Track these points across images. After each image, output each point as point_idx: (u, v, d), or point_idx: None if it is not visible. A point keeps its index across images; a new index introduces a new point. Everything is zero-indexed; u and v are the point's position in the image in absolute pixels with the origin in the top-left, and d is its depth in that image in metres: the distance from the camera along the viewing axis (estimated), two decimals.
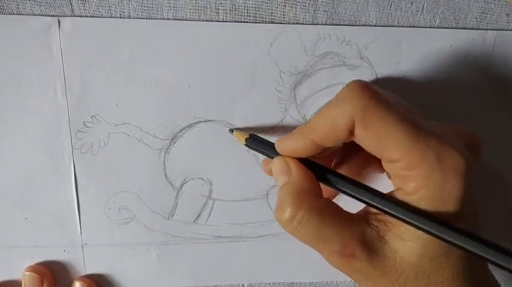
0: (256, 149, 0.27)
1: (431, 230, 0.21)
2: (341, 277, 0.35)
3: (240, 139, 0.28)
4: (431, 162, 0.21)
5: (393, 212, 0.22)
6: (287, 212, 0.23)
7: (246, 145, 0.28)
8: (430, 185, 0.21)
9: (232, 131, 0.29)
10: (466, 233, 0.20)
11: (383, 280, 0.22)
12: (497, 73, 0.31)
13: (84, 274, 0.32)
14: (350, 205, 0.24)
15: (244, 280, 0.34)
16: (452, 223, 0.21)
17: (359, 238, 0.22)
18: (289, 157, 0.25)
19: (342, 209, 0.24)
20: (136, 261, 0.33)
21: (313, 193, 0.23)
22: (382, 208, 0.22)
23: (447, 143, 0.21)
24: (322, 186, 0.25)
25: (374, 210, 0.23)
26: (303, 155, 0.24)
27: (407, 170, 0.21)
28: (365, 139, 0.22)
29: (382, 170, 0.25)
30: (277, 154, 0.25)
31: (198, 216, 0.32)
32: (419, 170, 0.21)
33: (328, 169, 0.25)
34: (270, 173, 0.26)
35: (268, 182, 0.32)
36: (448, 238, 0.20)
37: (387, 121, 0.21)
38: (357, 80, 0.22)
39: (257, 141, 0.27)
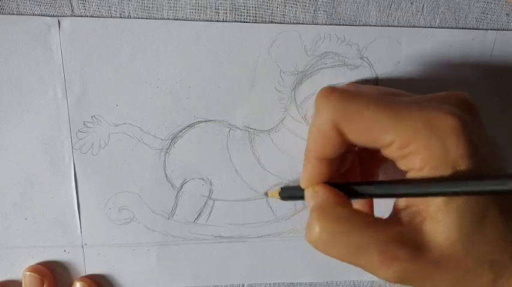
0: (292, 198, 0.29)
1: (457, 190, 0.20)
2: (341, 277, 0.35)
3: (276, 197, 0.29)
4: (423, 132, 0.21)
5: (415, 192, 0.21)
6: (316, 228, 0.23)
7: (282, 199, 0.29)
8: (433, 153, 0.21)
9: (267, 195, 0.31)
10: (485, 176, 0.20)
11: (437, 272, 0.21)
12: (497, 73, 0.31)
13: (84, 274, 0.32)
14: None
15: (244, 280, 0.34)
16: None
17: (397, 239, 0.21)
18: (314, 184, 0.25)
19: (373, 216, 0.23)
20: (136, 261, 0.33)
21: (340, 204, 0.23)
22: (404, 192, 0.22)
23: (432, 109, 0.21)
24: (359, 203, 0.27)
25: (401, 205, 0.23)
26: (322, 178, 0.24)
27: (405, 148, 0.21)
28: (355, 136, 0.22)
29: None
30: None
31: (198, 216, 0.32)
32: (416, 144, 0.21)
33: (347, 183, 0.25)
34: None
35: (268, 182, 0.32)
36: (477, 189, 0.20)
37: (365, 111, 0.21)
38: (323, 88, 0.23)
39: (289, 189, 0.29)
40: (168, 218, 0.32)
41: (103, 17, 0.27)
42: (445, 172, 0.21)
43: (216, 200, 0.32)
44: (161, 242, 0.32)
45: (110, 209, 0.31)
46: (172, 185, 0.31)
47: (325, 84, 0.30)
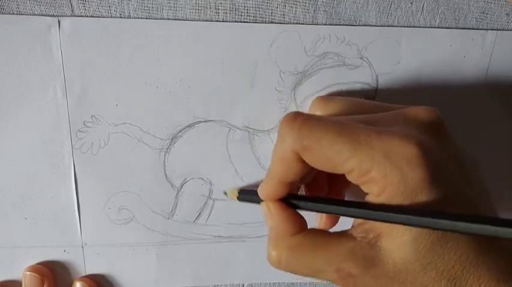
0: (249, 201, 0.29)
1: (405, 222, 0.20)
2: None
3: (233, 197, 0.30)
4: (381, 161, 0.21)
5: (369, 216, 0.22)
6: (273, 256, 0.24)
7: (239, 200, 0.30)
8: (390, 182, 0.21)
9: (226, 193, 0.31)
10: (433, 214, 0.20)
11: (394, 285, 0.22)
12: (497, 73, 0.31)
13: (84, 274, 0.32)
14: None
15: (244, 280, 0.34)
16: (435, 208, 0.20)
17: (350, 256, 0.22)
18: (270, 200, 0.25)
19: (328, 234, 0.24)
20: (136, 261, 0.33)
21: (291, 232, 0.24)
22: (357, 215, 0.22)
23: (391, 135, 0.21)
24: (325, 216, 0.28)
25: (358, 221, 0.23)
26: (282, 194, 0.25)
27: (364, 176, 0.21)
28: (315, 163, 0.22)
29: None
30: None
31: (198, 216, 0.32)
32: (374, 173, 0.21)
33: (306, 197, 0.26)
34: None
35: None
36: (423, 224, 0.20)
37: (324, 140, 0.22)
38: (287, 114, 0.23)
39: (247, 194, 0.29)
40: (168, 218, 0.32)
41: (103, 17, 0.27)
42: (402, 200, 0.21)
43: (216, 200, 0.32)
44: (161, 242, 0.32)
45: (109, 209, 0.31)
46: (172, 185, 0.31)
47: (325, 84, 0.30)
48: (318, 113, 0.28)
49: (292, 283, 0.35)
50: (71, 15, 0.27)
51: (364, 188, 0.22)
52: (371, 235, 0.22)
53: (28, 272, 0.31)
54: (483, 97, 0.31)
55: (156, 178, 0.31)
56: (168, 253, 0.33)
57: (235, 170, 0.31)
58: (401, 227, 0.21)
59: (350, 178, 0.22)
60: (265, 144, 0.31)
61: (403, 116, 0.24)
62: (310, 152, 0.22)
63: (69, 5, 0.27)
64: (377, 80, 0.30)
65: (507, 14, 0.30)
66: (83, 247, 0.32)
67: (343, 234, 0.23)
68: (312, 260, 0.23)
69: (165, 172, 0.31)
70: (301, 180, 0.25)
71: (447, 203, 0.21)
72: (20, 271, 0.31)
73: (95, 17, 0.27)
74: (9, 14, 0.26)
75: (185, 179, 0.31)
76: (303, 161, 0.23)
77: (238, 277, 0.34)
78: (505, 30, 0.30)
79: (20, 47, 0.27)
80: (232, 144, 0.31)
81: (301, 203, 0.25)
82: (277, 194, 0.25)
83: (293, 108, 0.30)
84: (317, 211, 0.25)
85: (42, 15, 0.27)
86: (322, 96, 0.29)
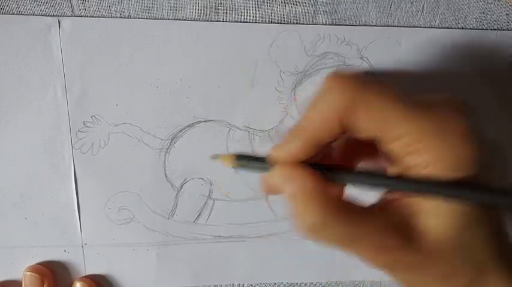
0: (248, 168, 0.24)
1: (460, 195, 0.20)
2: (341, 277, 0.35)
3: (227, 163, 0.24)
4: (437, 132, 0.20)
5: (417, 190, 0.21)
6: (311, 218, 0.21)
7: (237, 165, 0.24)
8: (440, 155, 0.20)
9: (218, 157, 0.25)
10: (491, 188, 0.20)
11: (426, 264, 0.21)
12: (497, 73, 0.31)
13: (84, 274, 0.32)
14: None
15: (244, 280, 0.34)
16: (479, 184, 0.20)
17: (389, 228, 0.21)
18: (288, 163, 0.23)
19: (361, 205, 0.22)
20: (136, 261, 0.33)
21: (330, 193, 0.22)
22: (405, 188, 0.21)
23: (448, 110, 0.21)
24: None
25: (392, 196, 0.22)
26: (300, 158, 0.23)
27: (414, 145, 0.21)
28: (367, 122, 0.21)
29: (378, 158, 0.24)
30: (271, 167, 0.23)
31: (198, 216, 0.32)
32: (427, 143, 0.20)
33: (335, 165, 0.23)
34: (270, 189, 0.24)
35: None
36: (477, 198, 0.20)
37: (385, 99, 0.21)
38: (335, 70, 0.22)
39: (247, 159, 0.24)
40: (168, 218, 0.32)
41: (103, 17, 0.27)
42: (447, 174, 0.20)
43: (216, 200, 0.32)
44: (161, 242, 0.32)
45: (109, 209, 0.31)
46: (172, 185, 0.31)
47: None
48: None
49: (292, 283, 0.35)
50: (71, 15, 0.27)
51: (409, 160, 0.21)
52: (408, 211, 0.22)
53: (28, 272, 0.31)
54: (483, 97, 0.31)
55: (156, 178, 0.31)
56: (168, 253, 0.33)
57: (236, 170, 0.31)
58: (442, 206, 0.21)
59: (394, 146, 0.21)
60: (265, 144, 0.31)
61: (440, 100, 0.23)
62: (367, 109, 0.21)
63: (69, 5, 0.27)
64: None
65: (507, 14, 0.30)
66: (83, 247, 0.32)
67: (379, 208, 0.23)
68: (354, 227, 0.21)
69: (165, 172, 0.31)
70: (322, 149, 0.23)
71: (485, 181, 0.21)
72: (20, 271, 0.31)
73: (95, 17, 0.27)
74: (9, 14, 0.26)
75: (185, 179, 0.31)
76: (344, 123, 0.21)
77: (238, 277, 0.34)
78: (505, 30, 0.30)
79: (20, 47, 0.27)
80: (232, 144, 0.31)
81: (337, 176, 0.22)
82: (302, 155, 0.22)
83: (293, 109, 0.30)
84: (354, 184, 0.22)
85: (42, 15, 0.27)
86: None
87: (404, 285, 0.23)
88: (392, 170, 0.23)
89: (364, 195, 0.23)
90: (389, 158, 0.23)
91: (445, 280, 0.22)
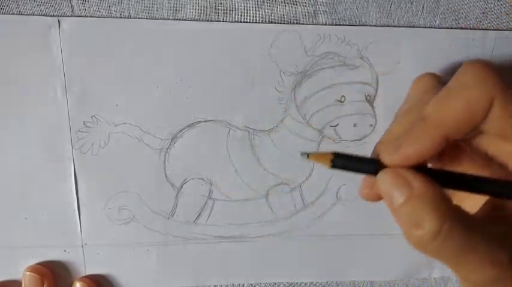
0: (348, 169, 0.21)
1: None
2: (341, 277, 0.35)
3: (322, 162, 0.21)
4: None
5: None
6: (427, 228, 0.19)
7: (332, 167, 0.21)
8: None
9: (308, 156, 0.22)
10: None
11: None
12: None
13: (84, 274, 0.32)
14: None
15: (244, 280, 0.34)
16: None
17: (503, 239, 0.19)
18: (399, 167, 0.20)
19: (470, 212, 0.21)
20: (136, 261, 0.33)
21: (449, 202, 0.20)
22: None
23: None
24: None
25: (502, 203, 0.21)
26: (424, 160, 0.20)
27: None
28: (499, 120, 0.19)
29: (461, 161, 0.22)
30: (377, 169, 0.21)
31: (198, 216, 0.32)
32: None
33: (448, 171, 0.21)
34: (372, 196, 0.22)
35: (268, 182, 0.32)
36: None
37: None
38: (480, 61, 0.20)
39: (347, 159, 0.21)
40: (168, 218, 0.32)
41: (103, 17, 0.27)
42: None
43: (216, 200, 0.32)
44: (161, 242, 0.32)
45: (109, 209, 0.31)
46: (172, 185, 0.31)
47: (325, 84, 0.30)
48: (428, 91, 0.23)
49: (292, 283, 0.35)
50: (71, 15, 0.27)
51: None
52: None
53: (28, 272, 0.31)
54: None
55: (156, 178, 0.31)
56: (168, 253, 0.33)
57: (235, 170, 0.31)
58: None
59: None
60: (265, 144, 0.31)
61: None
62: (505, 104, 0.19)
63: (69, 5, 0.27)
64: (377, 80, 0.30)
65: (507, 14, 0.30)
66: (83, 247, 0.32)
67: (491, 215, 0.21)
68: (469, 238, 0.19)
69: (165, 172, 0.31)
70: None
71: None
72: (20, 271, 0.31)
73: (95, 17, 0.27)
74: (9, 14, 0.26)
75: (185, 179, 0.31)
76: (486, 116, 0.20)
77: (238, 277, 0.34)
78: (505, 30, 0.30)
79: (20, 47, 0.27)
80: (233, 144, 0.31)
81: (448, 181, 0.20)
82: (425, 156, 0.20)
83: (293, 108, 0.30)
84: (471, 191, 0.21)
85: (42, 15, 0.27)
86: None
87: None
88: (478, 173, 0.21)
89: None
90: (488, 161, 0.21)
91: None
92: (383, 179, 0.20)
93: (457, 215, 0.19)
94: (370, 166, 0.21)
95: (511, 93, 0.19)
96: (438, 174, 0.21)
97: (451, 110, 0.20)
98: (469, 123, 0.20)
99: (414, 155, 0.20)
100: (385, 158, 0.21)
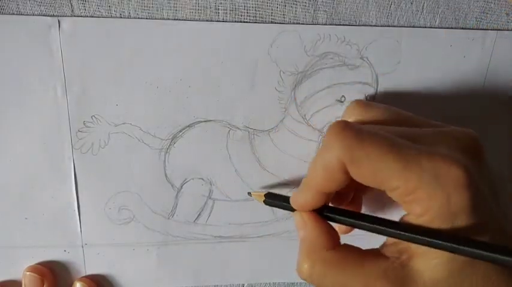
0: (276, 206, 0.28)
1: (444, 247, 0.21)
2: None
3: (259, 199, 0.29)
4: (428, 182, 0.21)
5: (407, 238, 0.22)
6: (305, 269, 0.24)
7: (265, 203, 0.29)
8: (435, 204, 0.21)
9: (250, 194, 0.31)
10: (475, 244, 0.20)
11: None
12: (497, 73, 0.31)
13: (84, 274, 0.32)
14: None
15: (244, 280, 0.34)
16: (471, 234, 0.21)
17: (382, 275, 0.22)
18: (305, 211, 0.25)
19: (360, 252, 0.24)
20: (136, 261, 0.33)
21: (327, 246, 0.24)
22: (397, 236, 0.22)
23: (441, 157, 0.21)
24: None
25: (391, 241, 0.23)
26: (317, 205, 0.25)
27: (409, 195, 0.21)
28: (360, 176, 0.22)
29: None
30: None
31: (198, 216, 0.32)
32: (419, 193, 0.21)
33: (342, 210, 0.25)
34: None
35: (268, 182, 0.32)
36: (462, 252, 0.20)
37: (374, 154, 0.21)
38: (336, 122, 0.23)
39: (275, 199, 0.28)
40: (168, 218, 0.32)
41: (103, 17, 0.27)
42: (441, 223, 0.21)
43: (216, 200, 0.32)
44: (161, 242, 0.32)
45: (110, 209, 0.31)
46: (172, 185, 0.31)
47: (325, 84, 0.30)
48: (355, 117, 0.27)
49: (292, 283, 0.35)
50: (71, 15, 0.27)
51: (406, 208, 0.22)
52: (404, 256, 0.22)
53: (28, 272, 0.31)
54: (483, 97, 0.31)
55: (156, 178, 0.31)
56: (168, 253, 0.33)
57: (235, 170, 0.31)
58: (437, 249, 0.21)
59: (393, 195, 0.22)
60: (265, 144, 0.31)
61: (444, 136, 0.23)
62: (358, 165, 0.22)
63: (69, 5, 0.27)
64: (377, 80, 0.30)
65: (507, 14, 0.30)
66: (83, 247, 0.32)
67: (376, 253, 0.24)
68: (345, 277, 0.23)
69: (165, 172, 0.31)
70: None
71: (481, 227, 0.21)
72: (20, 271, 0.31)
73: (95, 17, 0.27)
74: (9, 14, 0.26)
75: (185, 179, 0.31)
76: (347, 173, 0.22)
77: (238, 277, 0.34)
78: (505, 30, 0.30)
79: (20, 47, 0.27)
80: (232, 144, 0.31)
81: (338, 218, 0.25)
82: (313, 205, 0.25)
83: (293, 108, 0.30)
84: (352, 226, 0.25)
85: (42, 15, 0.27)
86: (361, 101, 0.29)
87: None
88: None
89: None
90: None
91: None
92: (294, 218, 0.26)
93: (328, 262, 0.23)
94: (287, 204, 0.26)
95: (356, 154, 0.22)
96: (337, 212, 0.25)
97: (315, 171, 0.23)
98: (331, 181, 0.23)
99: (302, 205, 0.25)
100: (291, 203, 0.26)
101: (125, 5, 0.27)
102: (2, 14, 0.26)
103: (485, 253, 0.20)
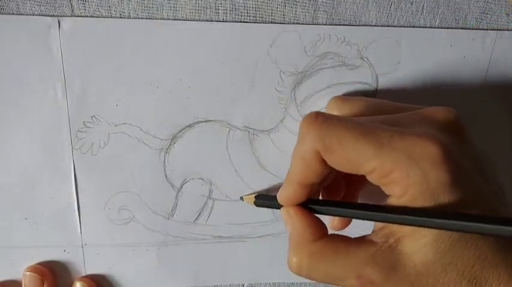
0: (266, 206, 0.29)
1: (428, 224, 0.20)
2: None
3: (250, 202, 0.30)
4: (403, 161, 0.21)
5: (391, 220, 0.22)
6: (294, 263, 0.24)
7: (256, 204, 0.30)
8: (413, 183, 0.21)
9: (243, 199, 0.31)
10: (458, 216, 0.20)
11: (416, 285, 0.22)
12: (497, 73, 0.31)
13: (84, 274, 0.32)
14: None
15: (244, 280, 0.34)
16: (457, 210, 0.20)
17: (370, 262, 0.22)
18: (290, 206, 0.25)
19: (347, 240, 0.24)
20: (136, 261, 0.33)
21: (312, 238, 0.24)
22: (380, 219, 0.22)
23: (414, 136, 0.21)
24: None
25: (378, 226, 0.23)
26: (301, 198, 0.25)
27: (386, 177, 0.21)
28: (335, 164, 0.22)
29: None
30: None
31: (198, 216, 0.32)
32: (396, 174, 0.21)
33: (325, 201, 0.25)
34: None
35: (268, 182, 0.32)
36: (447, 226, 0.20)
37: (345, 140, 0.21)
38: (308, 113, 0.23)
39: (265, 199, 0.29)
40: (168, 218, 0.32)
41: (103, 17, 0.27)
42: (424, 201, 0.21)
43: (216, 200, 0.32)
44: (161, 242, 0.32)
45: (109, 209, 0.31)
46: (172, 185, 0.31)
47: (325, 84, 0.30)
48: (335, 112, 0.27)
49: (292, 283, 0.35)
50: (71, 15, 0.27)
51: (386, 190, 0.22)
52: (392, 239, 0.22)
53: (28, 272, 0.31)
54: (483, 97, 0.31)
55: (156, 178, 0.31)
56: (168, 253, 0.33)
57: (235, 170, 0.31)
58: (423, 229, 0.21)
59: (371, 178, 0.22)
60: (265, 144, 0.31)
61: (422, 116, 0.24)
62: (332, 152, 0.22)
63: (69, 5, 0.27)
64: (377, 80, 0.30)
65: (507, 14, 0.30)
66: (83, 247, 0.32)
67: (363, 240, 0.23)
68: (333, 267, 0.23)
69: (165, 172, 0.31)
70: (320, 183, 0.25)
71: (466, 203, 0.21)
72: (20, 271, 0.31)
73: (95, 17, 0.27)
74: (9, 14, 0.26)
75: (185, 179, 0.31)
76: (324, 162, 0.22)
77: (238, 277, 0.34)
78: (505, 30, 0.30)
79: (20, 47, 0.27)
80: (232, 144, 0.31)
81: (322, 208, 0.25)
82: (297, 199, 0.25)
83: (293, 108, 0.30)
84: (338, 216, 0.25)
85: (42, 15, 0.27)
86: (339, 96, 0.29)
87: None
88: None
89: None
90: None
91: None
92: (281, 215, 0.26)
93: (314, 253, 0.23)
94: (277, 202, 0.26)
95: (327, 142, 0.22)
96: (321, 203, 0.25)
97: (294, 164, 0.24)
98: (311, 172, 0.23)
99: (286, 199, 0.25)
100: (278, 199, 0.26)
101: (124, 5, 0.27)
102: (2, 14, 0.26)
103: (473, 224, 0.19)
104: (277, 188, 0.32)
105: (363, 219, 0.23)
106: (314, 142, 0.22)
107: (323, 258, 0.23)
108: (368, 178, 0.22)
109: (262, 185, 0.32)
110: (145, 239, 0.32)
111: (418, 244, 0.21)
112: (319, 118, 0.22)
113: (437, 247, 0.21)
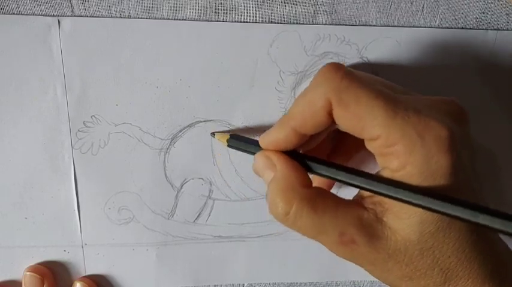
0: (239, 149, 0.27)
1: (420, 203, 0.20)
2: (341, 277, 0.35)
3: (222, 142, 0.27)
4: (411, 137, 0.20)
5: (382, 191, 0.21)
6: (280, 208, 0.22)
7: (228, 145, 0.27)
8: (414, 160, 0.20)
9: (214, 135, 0.29)
10: (455, 201, 0.20)
11: (389, 263, 0.22)
12: (497, 73, 0.31)
13: (84, 274, 0.32)
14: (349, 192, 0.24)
15: (244, 280, 0.34)
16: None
17: (356, 223, 0.22)
18: (271, 150, 0.24)
19: (336, 197, 0.23)
20: (136, 261, 0.33)
21: (302, 184, 0.23)
22: (371, 188, 0.22)
23: (427, 116, 0.21)
24: (318, 178, 0.25)
25: (367, 193, 0.23)
26: (288, 146, 0.24)
27: (388, 147, 0.21)
28: (344, 119, 0.22)
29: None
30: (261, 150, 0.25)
31: (198, 216, 0.32)
32: (400, 146, 0.20)
33: (315, 158, 0.24)
34: (256, 173, 0.26)
35: None
36: (438, 208, 0.20)
37: (363, 98, 0.21)
38: (329, 63, 0.22)
39: (239, 140, 0.27)
40: (168, 218, 0.32)
41: (103, 17, 0.27)
42: (421, 181, 0.21)
43: (215, 200, 0.32)
44: (161, 242, 0.32)
45: (109, 209, 0.31)
46: (172, 185, 0.31)
47: None
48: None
49: (292, 283, 0.35)
50: (71, 15, 0.27)
51: (382, 161, 0.22)
52: (379, 209, 0.22)
53: (28, 272, 0.31)
54: (483, 97, 0.31)
55: (156, 178, 0.31)
56: (168, 253, 0.33)
57: (235, 170, 0.31)
58: (411, 208, 0.21)
59: (371, 145, 0.22)
60: None
61: (431, 101, 0.23)
62: (345, 107, 0.21)
63: (69, 5, 0.27)
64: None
65: (507, 14, 0.30)
66: (83, 247, 0.32)
67: (352, 201, 0.23)
68: (320, 219, 0.22)
69: (165, 172, 0.31)
70: (308, 140, 0.24)
71: (457, 192, 0.21)
72: (20, 271, 0.31)
73: (95, 17, 0.27)
74: (9, 14, 0.26)
75: (185, 179, 0.31)
76: (329, 115, 0.22)
77: (238, 277, 0.34)
78: (505, 30, 0.30)
79: (20, 47, 0.27)
80: None
81: (313, 165, 0.23)
82: (285, 144, 0.23)
83: None
84: (327, 177, 0.23)
85: (42, 15, 0.27)
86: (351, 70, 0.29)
87: (372, 274, 0.24)
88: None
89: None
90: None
91: (409, 280, 0.22)
92: (256, 159, 0.25)
93: (305, 199, 0.22)
94: (256, 147, 0.25)
95: (344, 95, 0.21)
96: (308, 159, 0.24)
97: (297, 107, 0.23)
98: (312, 120, 0.22)
99: (273, 142, 0.24)
100: (260, 142, 0.25)
101: (124, 5, 0.27)
102: (2, 14, 0.26)
103: (459, 208, 0.19)
104: None
105: (352, 185, 0.22)
106: (330, 91, 0.21)
107: (313, 207, 0.22)
108: (368, 144, 0.22)
109: (262, 184, 0.32)
110: (145, 239, 0.32)
111: (403, 223, 0.21)
112: (341, 70, 0.22)
113: (421, 229, 0.21)
